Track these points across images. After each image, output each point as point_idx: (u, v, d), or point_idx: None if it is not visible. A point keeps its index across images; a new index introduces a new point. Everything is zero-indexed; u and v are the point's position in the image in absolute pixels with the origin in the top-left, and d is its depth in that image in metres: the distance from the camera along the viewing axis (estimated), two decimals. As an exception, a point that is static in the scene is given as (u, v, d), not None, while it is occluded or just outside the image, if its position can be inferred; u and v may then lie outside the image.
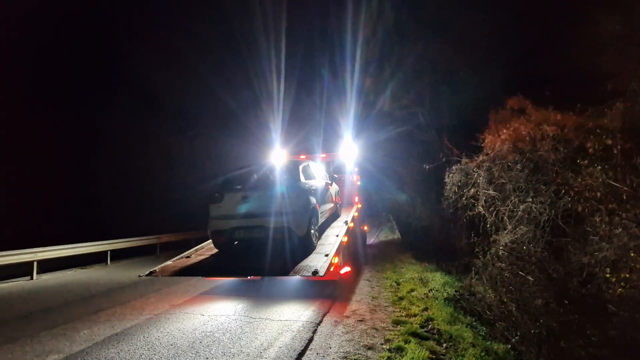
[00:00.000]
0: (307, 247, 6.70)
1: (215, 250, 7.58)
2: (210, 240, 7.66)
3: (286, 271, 5.89)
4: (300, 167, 7.46)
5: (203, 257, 7.69)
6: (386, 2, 13.53)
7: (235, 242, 7.21)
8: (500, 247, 7.70)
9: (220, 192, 6.95)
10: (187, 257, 7.76)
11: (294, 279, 6.98)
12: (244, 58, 22.10)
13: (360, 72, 13.95)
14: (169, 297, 7.68)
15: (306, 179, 7.45)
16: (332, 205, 9.12)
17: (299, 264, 6.02)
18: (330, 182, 9.26)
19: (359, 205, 11.53)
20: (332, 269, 6.26)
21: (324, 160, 11.99)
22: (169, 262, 7.33)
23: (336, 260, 6.66)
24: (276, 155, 11.31)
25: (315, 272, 5.54)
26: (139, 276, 7.00)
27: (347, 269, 7.78)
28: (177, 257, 7.70)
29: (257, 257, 6.55)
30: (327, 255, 6.32)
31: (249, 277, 6.74)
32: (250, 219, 6.53)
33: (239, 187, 6.89)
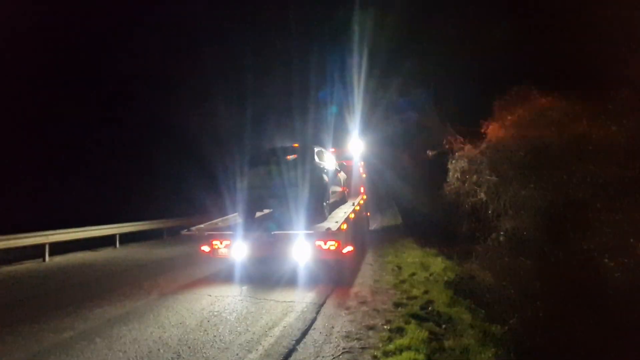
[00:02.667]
0: (320, 216, 7.86)
1: (240, 220, 8.46)
2: (236, 214, 8.94)
3: (303, 228, 7.02)
4: (315, 150, 8.43)
5: (230, 222, 8.83)
6: None
7: (258, 213, 8.60)
8: (501, 233, 7.85)
9: (247, 166, 8.02)
10: (215, 224, 8.70)
11: (297, 263, 7.21)
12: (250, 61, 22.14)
13: (367, 70, 14.11)
14: (177, 279, 7.91)
15: (319, 160, 8.43)
16: (340, 190, 9.98)
17: (314, 226, 7.23)
18: (339, 169, 10.15)
19: (365, 197, 12.13)
20: (337, 247, 6.82)
21: (333, 153, 12.61)
22: (201, 226, 8.36)
23: (345, 226, 7.24)
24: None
25: (328, 229, 6.81)
26: (181, 232, 8.49)
27: (349, 248, 7.95)
28: (207, 223, 8.74)
29: (278, 221, 7.75)
30: (337, 222, 7.38)
31: (272, 232, 7.23)
32: (272, 189, 7.60)
33: (263, 162, 7.96)
